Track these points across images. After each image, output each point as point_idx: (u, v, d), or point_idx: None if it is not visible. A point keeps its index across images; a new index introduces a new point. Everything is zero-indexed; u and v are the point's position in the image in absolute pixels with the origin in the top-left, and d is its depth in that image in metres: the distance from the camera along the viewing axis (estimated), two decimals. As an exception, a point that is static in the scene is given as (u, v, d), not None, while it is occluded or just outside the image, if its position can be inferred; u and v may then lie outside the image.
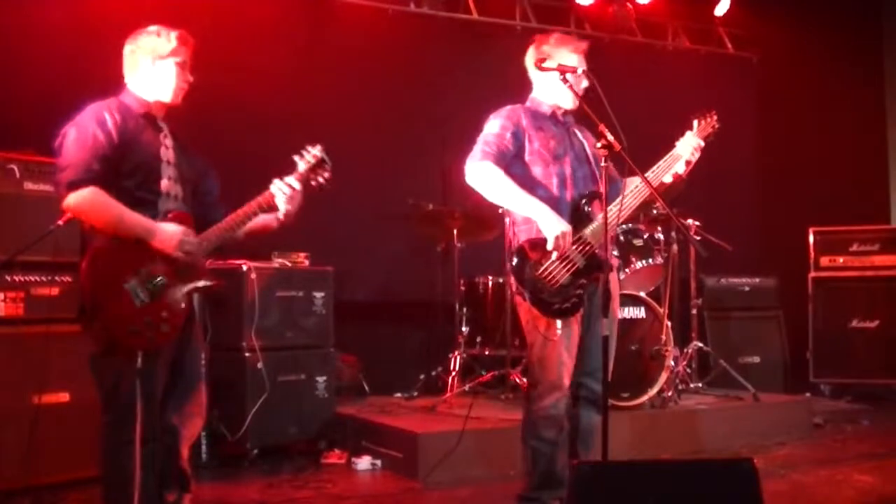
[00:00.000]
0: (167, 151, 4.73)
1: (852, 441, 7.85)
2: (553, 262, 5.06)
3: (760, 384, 8.47)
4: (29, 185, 6.06)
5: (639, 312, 7.55)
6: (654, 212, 7.80)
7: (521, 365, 7.82)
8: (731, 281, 10.14)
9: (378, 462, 6.87)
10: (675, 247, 8.01)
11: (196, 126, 7.56)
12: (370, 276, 9.02)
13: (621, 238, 7.67)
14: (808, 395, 9.34)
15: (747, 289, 10.22)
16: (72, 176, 4.38)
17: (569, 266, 5.10)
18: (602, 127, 5.11)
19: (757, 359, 9.92)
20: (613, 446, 5.27)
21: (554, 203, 5.14)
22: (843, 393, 9.85)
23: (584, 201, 5.25)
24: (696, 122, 5.54)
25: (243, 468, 6.89)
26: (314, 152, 4.99)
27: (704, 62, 11.47)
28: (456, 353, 8.15)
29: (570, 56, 5.28)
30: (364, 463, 6.87)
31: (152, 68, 4.72)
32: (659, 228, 7.90)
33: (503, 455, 6.51)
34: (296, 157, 4.96)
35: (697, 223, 8.35)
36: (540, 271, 5.07)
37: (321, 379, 7.35)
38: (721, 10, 11.08)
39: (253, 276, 7.03)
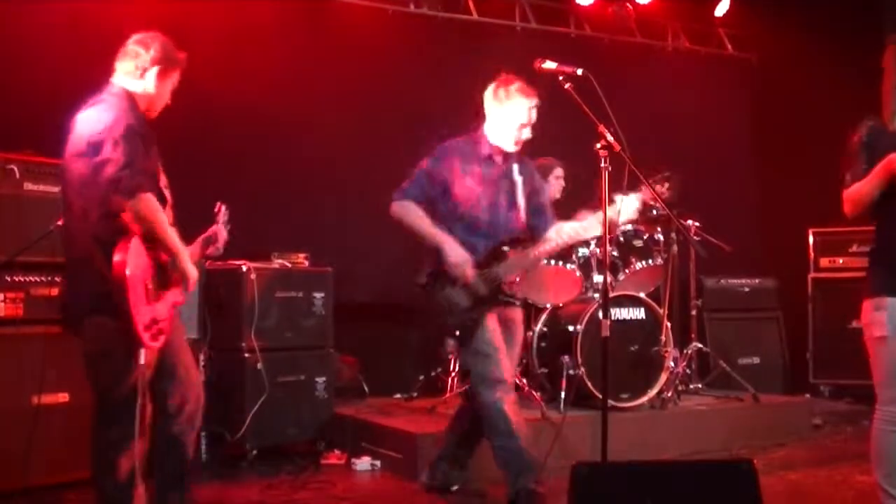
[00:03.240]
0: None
1: (852, 442, 7.86)
2: (458, 287, 5.52)
3: (760, 385, 8.46)
4: (28, 186, 6.06)
5: (638, 313, 7.55)
6: (654, 213, 7.80)
7: (520, 366, 7.82)
8: (730, 282, 10.14)
9: (377, 463, 6.86)
10: (674, 248, 8.00)
11: (197, 125, 7.63)
12: (370, 277, 9.01)
13: (621, 239, 7.71)
14: (807, 395, 9.36)
15: (747, 290, 10.22)
16: (136, 180, 4.36)
17: (471, 293, 5.52)
18: (601, 128, 5.14)
19: (756, 360, 9.92)
20: (613, 447, 5.28)
21: (472, 242, 5.58)
22: (843, 394, 9.86)
23: (503, 243, 5.64)
24: (645, 187, 5.53)
25: (242, 469, 6.89)
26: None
27: (704, 63, 11.47)
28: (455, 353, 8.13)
29: (520, 103, 5.63)
30: (363, 463, 6.87)
31: (156, 79, 4.74)
32: (659, 229, 7.90)
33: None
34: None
35: (697, 224, 8.34)
36: (444, 293, 5.55)
37: (320, 379, 7.35)
38: (721, 10, 11.09)
39: (252, 276, 7.03)
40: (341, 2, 9.21)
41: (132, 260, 4.34)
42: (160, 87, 4.76)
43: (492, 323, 5.57)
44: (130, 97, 4.67)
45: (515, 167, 5.79)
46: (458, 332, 5.59)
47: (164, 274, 4.64)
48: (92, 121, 4.51)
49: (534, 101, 5.66)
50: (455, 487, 5.96)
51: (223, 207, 5.24)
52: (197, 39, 7.89)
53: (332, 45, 9.08)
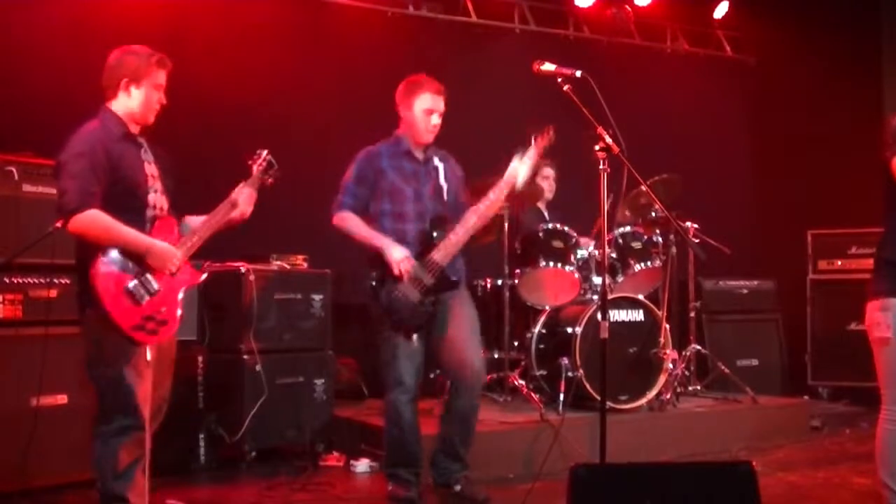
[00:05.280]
0: (150, 167, 4.98)
1: (850, 444, 7.87)
2: (405, 284, 5.70)
3: (758, 387, 8.47)
4: (27, 188, 6.05)
5: (637, 315, 7.56)
6: (653, 214, 7.81)
7: (519, 368, 7.82)
8: (729, 284, 10.13)
9: (376, 464, 6.85)
10: (673, 249, 8.01)
11: (195, 127, 7.64)
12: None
13: (620, 241, 7.73)
14: (806, 397, 9.35)
15: (745, 291, 10.22)
16: (72, 202, 4.62)
17: (419, 286, 5.71)
18: (600, 130, 5.16)
19: (755, 361, 9.91)
20: (612, 449, 5.28)
21: (401, 234, 5.84)
22: (842, 396, 9.86)
23: (432, 230, 5.87)
24: (532, 142, 5.88)
25: (241, 470, 6.89)
26: (263, 155, 5.35)
27: (703, 65, 11.47)
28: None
29: (424, 92, 5.96)
30: (362, 465, 6.88)
31: (132, 90, 4.91)
32: (657, 231, 7.91)
33: (501, 458, 6.53)
34: (250, 163, 5.31)
35: (696, 226, 8.34)
36: (394, 292, 5.71)
37: (319, 381, 7.35)
38: (720, 12, 11.11)
39: (251, 278, 7.03)
40: (340, 3, 9.22)
41: (100, 274, 4.65)
42: (140, 97, 4.91)
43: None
44: (112, 116, 4.89)
45: (435, 158, 6.06)
46: (417, 326, 5.76)
47: (150, 271, 4.79)
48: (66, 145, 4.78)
49: (436, 88, 6.00)
50: (458, 488, 5.95)
51: (264, 153, 5.36)
52: (195, 41, 7.97)
53: (332, 47, 9.08)
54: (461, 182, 6.17)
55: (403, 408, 5.89)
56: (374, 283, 5.78)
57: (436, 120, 5.95)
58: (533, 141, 5.83)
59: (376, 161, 5.95)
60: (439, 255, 5.77)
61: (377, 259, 5.75)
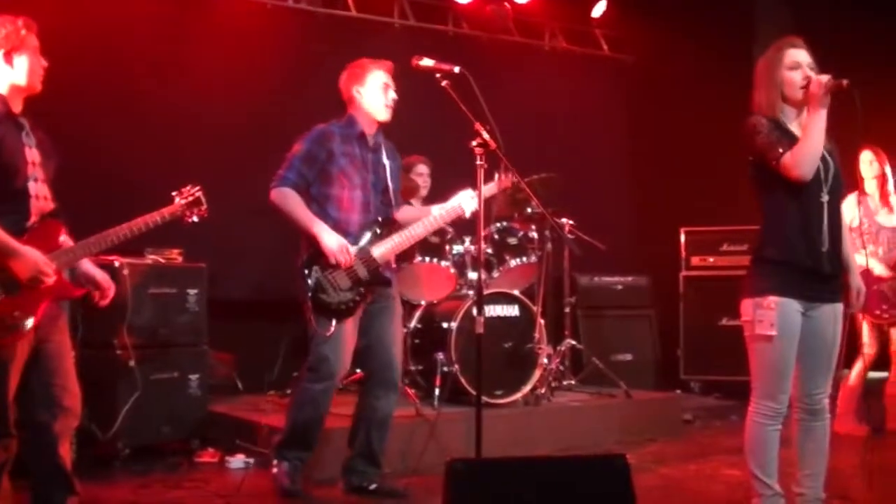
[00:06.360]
0: (31, 152, 4.62)
1: (721, 436, 8.04)
2: (338, 270, 5.67)
3: (632, 381, 8.60)
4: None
5: (512, 310, 7.60)
6: (529, 210, 7.85)
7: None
8: (603, 279, 10.27)
9: (251, 460, 6.80)
10: (549, 245, 8.06)
11: (70, 119, 7.46)
12: (244, 274, 8.93)
13: (496, 236, 7.74)
14: (678, 391, 9.52)
15: (620, 287, 10.36)
16: None
17: (351, 276, 5.70)
18: (478, 126, 5.17)
19: (629, 356, 10.05)
20: (487, 443, 5.31)
21: (343, 223, 5.80)
22: (712, 390, 10.05)
23: (376, 225, 5.87)
24: (494, 179, 5.99)
25: (115, 468, 6.74)
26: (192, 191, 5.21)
27: (581, 63, 11.57)
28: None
29: (376, 69, 5.94)
30: (237, 461, 6.81)
31: (14, 59, 4.60)
32: (533, 227, 7.95)
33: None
34: (174, 195, 5.19)
35: (571, 222, 8.41)
36: (325, 274, 5.67)
37: (194, 377, 7.26)
38: (598, 11, 11.22)
39: (125, 272, 6.89)
40: (219, -7, 9.12)
41: None
42: (25, 65, 4.59)
43: (349, 323, 5.78)
44: None
45: (384, 150, 6.02)
46: (338, 312, 5.70)
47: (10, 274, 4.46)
48: None
49: (389, 67, 5.97)
50: (374, 486, 5.94)
51: (195, 189, 5.24)
52: (73, 33, 7.76)
53: (210, 38, 8.94)
54: (397, 181, 6.18)
55: (321, 396, 5.82)
56: (304, 262, 5.72)
57: (393, 94, 5.92)
58: (495, 178, 5.89)
59: (328, 142, 5.83)
60: (379, 251, 5.79)
61: (311, 240, 5.71)
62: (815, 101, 4.53)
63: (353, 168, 5.85)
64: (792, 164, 4.51)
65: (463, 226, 7.55)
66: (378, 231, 5.84)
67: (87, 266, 4.91)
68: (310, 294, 5.68)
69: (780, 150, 4.55)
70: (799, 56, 4.70)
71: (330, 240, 5.62)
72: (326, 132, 5.87)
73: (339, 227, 5.73)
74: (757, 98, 4.82)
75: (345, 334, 5.75)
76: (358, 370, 6.78)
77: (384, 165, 5.98)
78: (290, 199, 5.75)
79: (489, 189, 5.87)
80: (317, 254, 5.67)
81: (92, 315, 6.87)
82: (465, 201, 5.93)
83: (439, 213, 6.00)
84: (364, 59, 6.01)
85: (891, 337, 7.77)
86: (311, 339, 5.78)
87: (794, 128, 4.70)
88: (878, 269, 7.65)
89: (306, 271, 5.69)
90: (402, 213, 6.14)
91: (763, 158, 4.63)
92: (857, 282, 4.95)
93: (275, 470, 5.90)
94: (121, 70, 8.32)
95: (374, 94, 5.88)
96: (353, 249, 5.70)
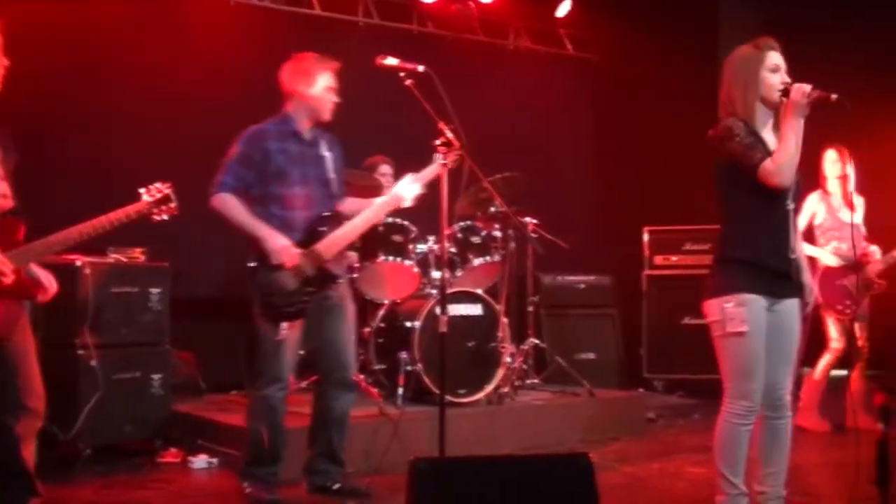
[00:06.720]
0: None
1: (684, 435, 8.07)
2: (284, 271, 5.58)
3: (595, 380, 8.61)
4: None
5: (476, 309, 7.60)
6: (493, 209, 7.86)
7: (358, 362, 7.79)
8: (567, 279, 10.29)
9: (214, 460, 6.78)
10: (512, 244, 8.07)
11: (38, 118, 7.41)
12: (207, 273, 8.89)
13: (459, 235, 7.74)
14: (641, 390, 9.54)
15: (583, 286, 10.38)
16: None
17: (298, 275, 5.61)
18: (441, 125, 5.18)
19: (592, 355, 10.07)
20: (451, 442, 5.32)
21: (288, 221, 5.72)
22: (675, 388, 10.10)
23: (319, 221, 5.79)
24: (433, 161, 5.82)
25: (76, 469, 6.68)
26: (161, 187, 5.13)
27: (546, 63, 11.59)
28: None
29: (324, 70, 5.84)
30: (200, 461, 6.78)
31: None
32: (497, 226, 7.95)
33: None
34: (142, 191, 5.12)
35: (535, 221, 8.42)
36: (272, 276, 5.57)
37: (157, 377, 7.20)
38: (562, 11, 11.24)
39: (87, 271, 6.84)
40: (182, -10, 9.07)
41: None
42: None
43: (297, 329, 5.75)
44: None
45: (322, 143, 5.95)
46: (288, 314, 5.65)
47: None
48: None
49: (335, 67, 5.87)
50: (337, 486, 5.92)
51: (165, 187, 5.17)
52: (38, 32, 7.70)
53: (174, 36, 8.88)
54: (340, 174, 6.09)
55: (277, 403, 5.74)
56: (252, 265, 5.65)
57: (335, 98, 5.86)
58: (435, 160, 5.75)
59: (262, 142, 5.76)
60: (324, 247, 5.70)
61: (257, 242, 5.65)
62: (795, 109, 4.55)
63: (290, 164, 5.78)
64: (772, 171, 4.53)
65: (426, 225, 7.56)
66: (322, 227, 5.78)
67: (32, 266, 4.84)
68: (259, 299, 5.64)
69: (759, 156, 4.57)
70: (779, 59, 4.71)
71: (273, 241, 5.57)
72: (260, 132, 5.82)
73: (284, 225, 5.67)
74: (730, 96, 4.79)
75: (290, 337, 5.71)
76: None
77: (323, 157, 5.91)
78: (229, 204, 5.69)
79: (431, 171, 5.79)
80: (263, 256, 5.61)
81: (53, 314, 6.83)
82: (404, 189, 5.89)
83: (381, 202, 5.96)
84: (310, 56, 5.90)
85: (855, 332, 7.85)
86: (258, 343, 5.73)
87: (765, 133, 4.71)
88: (833, 262, 7.79)
89: (254, 273, 5.65)
90: (347, 205, 6.04)
91: (739, 163, 4.64)
92: (807, 278, 4.99)
93: (248, 491, 5.75)
94: (84, 67, 8.28)
95: (322, 97, 5.82)
96: (295, 249, 5.64)
